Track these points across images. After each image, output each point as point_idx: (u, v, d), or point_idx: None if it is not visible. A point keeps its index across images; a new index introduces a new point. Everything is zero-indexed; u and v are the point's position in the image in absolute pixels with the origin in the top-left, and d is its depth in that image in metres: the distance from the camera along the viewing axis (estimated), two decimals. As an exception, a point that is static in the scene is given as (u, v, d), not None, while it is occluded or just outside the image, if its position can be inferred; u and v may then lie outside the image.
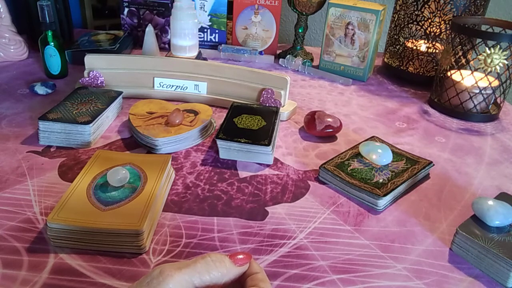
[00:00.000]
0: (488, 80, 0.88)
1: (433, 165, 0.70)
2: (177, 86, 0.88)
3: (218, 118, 0.83)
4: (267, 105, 0.83)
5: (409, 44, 1.06)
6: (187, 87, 0.88)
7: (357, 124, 0.86)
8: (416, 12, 1.01)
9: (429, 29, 1.01)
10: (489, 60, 0.85)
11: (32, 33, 1.09)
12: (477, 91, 0.88)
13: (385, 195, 0.60)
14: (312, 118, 0.78)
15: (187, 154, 0.71)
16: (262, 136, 0.69)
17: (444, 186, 0.68)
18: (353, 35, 1.05)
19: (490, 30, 0.93)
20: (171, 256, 0.50)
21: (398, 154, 0.71)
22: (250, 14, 1.16)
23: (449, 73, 0.93)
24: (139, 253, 0.50)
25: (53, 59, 0.93)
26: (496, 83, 0.89)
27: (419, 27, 1.02)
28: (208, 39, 1.22)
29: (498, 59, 0.84)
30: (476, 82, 0.87)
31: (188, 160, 0.69)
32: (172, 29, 0.96)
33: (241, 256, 0.36)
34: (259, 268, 0.37)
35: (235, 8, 1.16)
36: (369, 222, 0.59)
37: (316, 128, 0.77)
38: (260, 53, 1.16)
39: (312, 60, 1.19)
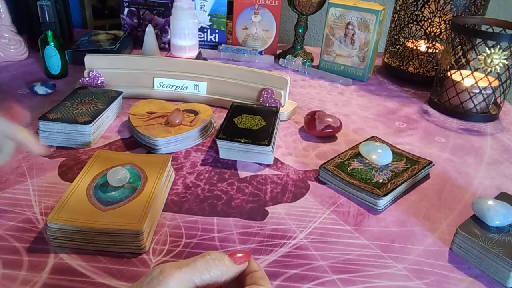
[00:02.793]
0: (488, 80, 0.88)
1: (433, 165, 0.70)
2: (177, 86, 0.88)
3: (218, 118, 0.83)
4: (267, 105, 0.83)
5: (409, 44, 1.06)
6: (187, 87, 0.88)
7: (357, 124, 0.86)
8: (416, 12, 1.01)
9: (429, 29, 1.01)
10: (489, 60, 0.85)
11: (32, 33, 1.09)
12: (477, 91, 0.88)
13: (385, 195, 0.60)
14: (312, 118, 0.78)
15: (187, 154, 0.71)
16: (262, 136, 0.69)
17: (444, 186, 0.68)
18: (353, 35, 1.05)
19: (490, 30, 0.93)
20: (171, 256, 0.50)
21: (398, 154, 0.71)
22: (250, 14, 1.16)
23: (449, 73, 0.93)
24: (139, 253, 0.50)
25: (53, 59, 0.93)
26: (496, 83, 0.89)
27: (419, 27, 1.02)
28: (208, 39, 1.22)
29: (498, 59, 0.84)
30: (476, 82, 0.87)
31: (188, 160, 0.69)
32: (172, 29, 0.97)
33: (240, 255, 0.36)
34: (258, 266, 0.37)
35: (235, 8, 1.16)
36: (369, 222, 0.59)
37: (316, 128, 0.77)
38: (260, 53, 1.16)
39: (312, 60, 1.19)
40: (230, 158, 0.70)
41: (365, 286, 0.48)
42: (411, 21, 1.02)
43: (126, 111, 0.81)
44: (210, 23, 1.19)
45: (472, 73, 0.88)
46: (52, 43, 0.91)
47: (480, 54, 0.86)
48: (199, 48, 1.03)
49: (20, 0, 1.06)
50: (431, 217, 0.61)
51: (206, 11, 1.18)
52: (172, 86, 0.88)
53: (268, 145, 0.67)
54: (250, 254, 0.37)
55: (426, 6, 0.99)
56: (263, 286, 0.35)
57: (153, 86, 0.89)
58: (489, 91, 0.89)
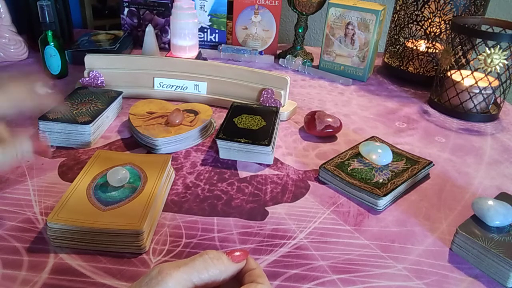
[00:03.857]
0: (488, 80, 0.88)
1: (433, 165, 0.70)
2: (177, 86, 0.88)
3: (218, 118, 0.83)
4: (267, 105, 0.83)
5: (409, 44, 1.06)
6: (187, 87, 0.88)
7: (357, 124, 0.86)
8: (416, 12, 1.01)
9: (429, 29, 1.01)
10: (489, 60, 0.85)
11: (32, 33, 1.09)
12: (477, 91, 0.88)
13: (385, 195, 0.60)
14: (312, 118, 0.78)
15: (187, 154, 0.71)
16: (262, 136, 0.69)
17: (444, 186, 0.68)
18: (353, 35, 1.05)
19: (490, 30, 0.93)
20: (171, 256, 0.50)
21: (398, 154, 0.71)
22: (250, 14, 1.16)
23: (449, 73, 0.93)
24: (139, 253, 0.50)
25: (53, 59, 0.93)
26: (496, 83, 0.89)
27: (419, 27, 1.02)
28: (208, 39, 1.22)
29: (498, 59, 0.84)
30: (476, 82, 0.87)
31: (188, 160, 0.69)
32: (172, 29, 0.97)
33: (238, 253, 0.36)
34: (256, 265, 0.37)
35: (235, 8, 1.16)
36: (369, 222, 0.59)
37: (316, 128, 0.77)
38: (260, 53, 1.16)
39: (312, 60, 1.19)
40: (230, 158, 0.70)
41: (365, 286, 0.48)
42: (411, 21, 1.02)
43: (126, 111, 0.81)
44: (210, 23, 1.19)
45: (472, 73, 0.88)
46: (52, 43, 0.91)
47: (480, 54, 0.86)
48: (199, 48, 1.03)
49: (20, 0, 1.06)
50: (431, 217, 0.61)
51: (206, 11, 1.18)
52: (172, 86, 0.88)
53: (268, 145, 0.67)
54: (248, 252, 0.37)
55: (426, 6, 0.99)
56: (262, 284, 0.35)
57: (153, 86, 0.89)
58: (489, 91, 0.89)
